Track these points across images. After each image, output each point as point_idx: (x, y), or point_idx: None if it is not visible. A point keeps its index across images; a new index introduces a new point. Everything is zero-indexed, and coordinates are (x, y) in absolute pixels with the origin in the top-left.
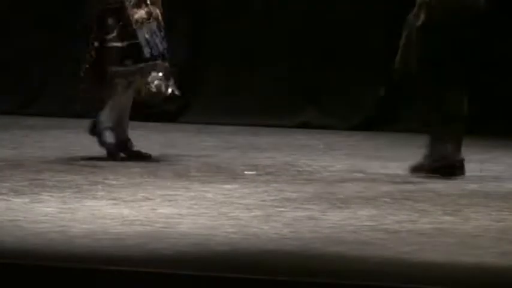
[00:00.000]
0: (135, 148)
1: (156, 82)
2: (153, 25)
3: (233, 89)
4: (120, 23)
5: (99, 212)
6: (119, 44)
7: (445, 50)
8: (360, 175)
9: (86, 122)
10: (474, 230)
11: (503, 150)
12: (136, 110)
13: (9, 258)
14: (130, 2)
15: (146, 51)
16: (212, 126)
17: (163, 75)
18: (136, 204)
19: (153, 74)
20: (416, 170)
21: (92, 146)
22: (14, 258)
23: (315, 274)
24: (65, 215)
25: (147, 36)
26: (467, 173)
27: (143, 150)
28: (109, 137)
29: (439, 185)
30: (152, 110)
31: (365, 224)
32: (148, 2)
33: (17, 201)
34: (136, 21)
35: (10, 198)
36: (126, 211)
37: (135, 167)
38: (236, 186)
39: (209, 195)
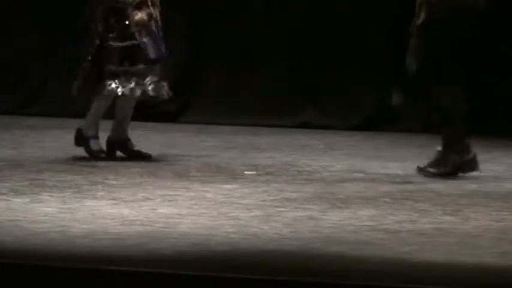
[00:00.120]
0: (136, 148)
1: (152, 86)
2: (153, 27)
3: (233, 89)
4: (121, 24)
5: (99, 212)
6: (118, 44)
7: (445, 49)
8: (360, 175)
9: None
10: (474, 230)
11: (503, 150)
12: (136, 110)
13: (9, 258)
14: (132, 3)
15: (144, 54)
16: (212, 126)
17: (159, 78)
18: (136, 204)
19: (150, 77)
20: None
21: None
22: (14, 258)
23: (315, 274)
24: (65, 215)
25: (145, 39)
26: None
27: (143, 150)
28: (94, 145)
29: (439, 185)
30: (152, 110)
31: (365, 224)
32: (149, 3)
33: (17, 201)
34: (137, 23)
35: (10, 198)
36: (126, 211)
37: (135, 167)
38: (236, 186)
39: (209, 195)
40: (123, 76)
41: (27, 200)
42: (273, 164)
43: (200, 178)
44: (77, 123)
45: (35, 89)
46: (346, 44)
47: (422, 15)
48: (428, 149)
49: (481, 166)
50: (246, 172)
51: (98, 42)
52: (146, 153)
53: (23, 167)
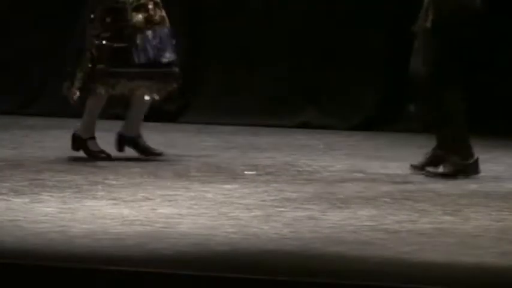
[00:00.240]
0: (146, 144)
1: (143, 89)
2: (149, 32)
3: (233, 89)
4: (118, 24)
5: (99, 212)
6: (112, 44)
7: (451, 50)
8: (360, 175)
9: None
10: (474, 230)
11: (503, 150)
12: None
13: (9, 258)
14: (131, 4)
15: (135, 57)
16: (212, 126)
17: (152, 82)
18: (136, 204)
19: (141, 81)
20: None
21: None
22: (14, 258)
23: (315, 274)
24: (65, 215)
25: (138, 41)
26: None
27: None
28: (92, 146)
29: (439, 185)
30: (152, 110)
31: (365, 224)
32: (150, 7)
33: (17, 201)
34: (134, 25)
35: (10, 198)
36: (126, 211)
37: (135, 167)
38: (236, 186)
39: (209, 195)
40: (113, 77)
41: (27, 200)
42: (273, 164)
43: (200, 178)
44: (77, 123)
45: (35, 89)
46: (346, 44)
47: (430, 17)
48: (428, 149)
49: (481, 166)
50: (246, 172)
51: (96, 42)
52: (157, 151)
53: (23, 167)
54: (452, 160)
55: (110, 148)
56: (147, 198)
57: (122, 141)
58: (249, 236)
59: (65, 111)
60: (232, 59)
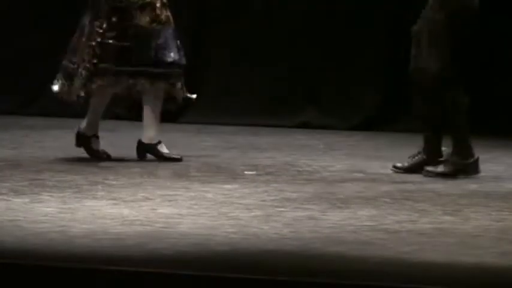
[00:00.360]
0: (165, 150)
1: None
2: (154, 32)
3: (233, 89)
4: (123, 23)
5: (99, 212)
6: (116, 43)
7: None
8: (360, 175)
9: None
10: (474, 230)
11: (503, 150)
12: (136, 110)
13: (9, 258)
14: (137, 2)
15: (136, 56)
16: (212, 126)
17: (151, 82)
18: (136, 204)
19: (142, 80)
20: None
21: None
22: (14, 258)
23: (315, 274)
24: (65, 215)
25: (140, 41)
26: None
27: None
28: (94, 145)
29: (439, 185)
30: None
31: (365, 224)
32: (158, 5)
33: (17, 201)
34: (136, 24)
35: (10, 198)
36: (126, 211)
37: (135, 167)
38: (236, 186)
39: (209, 195)
40: (113, 75)
41: (27, 200)
42: (273, 164)
43: (200, 178)
44: (77, 123)
45: (35, 89)
46: (346, 44)
47: (433, 17)
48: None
49: (481, 166)
50: (246, 172)
51: (98, 39)
52: (176, 156)
53: (23, 167)
54: (452, 160)
55: (112, 148)
56: (147, 198)
57: (141, 149)
58: (249, 236)
59: (65, 111)
60: (232, 59)
